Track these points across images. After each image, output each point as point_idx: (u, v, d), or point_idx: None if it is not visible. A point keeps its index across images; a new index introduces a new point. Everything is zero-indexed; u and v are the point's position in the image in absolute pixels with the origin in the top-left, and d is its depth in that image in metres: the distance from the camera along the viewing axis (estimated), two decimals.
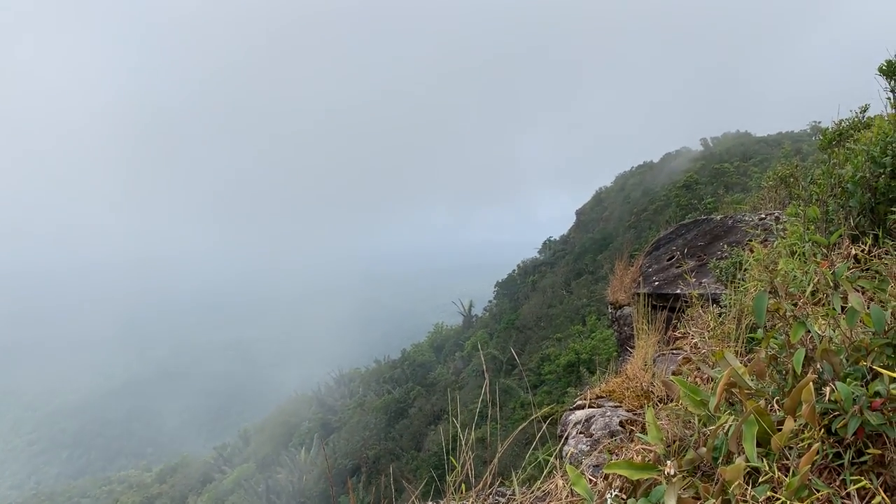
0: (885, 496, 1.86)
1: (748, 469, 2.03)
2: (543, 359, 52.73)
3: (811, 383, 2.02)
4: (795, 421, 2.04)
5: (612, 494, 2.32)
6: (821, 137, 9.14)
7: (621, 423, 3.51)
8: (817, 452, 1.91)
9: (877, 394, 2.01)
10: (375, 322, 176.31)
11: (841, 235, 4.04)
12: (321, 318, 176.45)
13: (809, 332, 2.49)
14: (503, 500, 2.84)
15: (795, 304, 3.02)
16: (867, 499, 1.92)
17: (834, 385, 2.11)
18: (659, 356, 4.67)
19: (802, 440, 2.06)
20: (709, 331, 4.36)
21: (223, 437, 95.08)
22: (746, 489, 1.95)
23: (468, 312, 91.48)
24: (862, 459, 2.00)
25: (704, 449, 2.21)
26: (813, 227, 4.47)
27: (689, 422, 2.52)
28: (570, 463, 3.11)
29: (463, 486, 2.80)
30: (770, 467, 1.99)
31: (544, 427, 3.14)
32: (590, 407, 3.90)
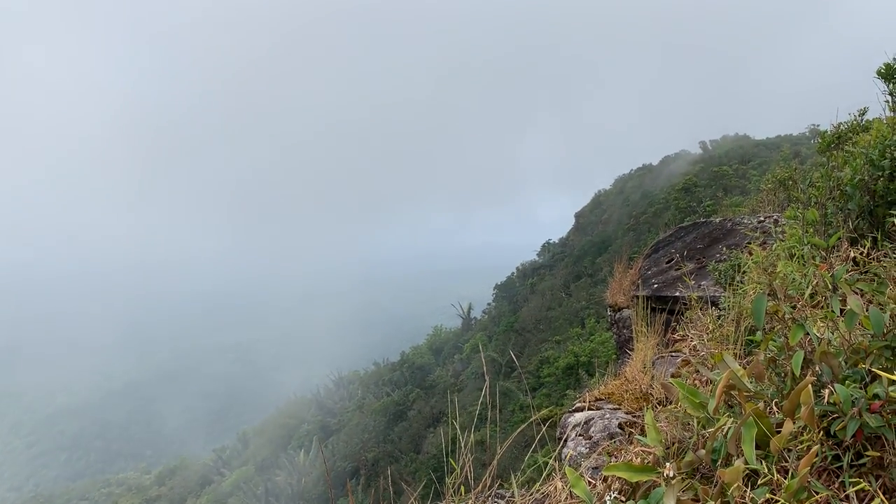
0: (884, 498, 1.86)
1: (747, 471, 2.03)
2: (542, 361, 52.71)
3: (810, 385, 2.02)
4: (794, 423, 2.04)
5: (611, 496, 2.32)
6: (819, 140, 9.15)
7: (620, 426, 3.51)
8: (816, 455, 1.91)
9: (876, 396, 2.01)
10: (375, 324, 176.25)
11: (840, 238, 4.05)
12: (321, 320, 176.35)
13: (808, 334, 2.50)
14: (502, 502, 2.84)
15: (794, 307, 3.02)
16: (866, 501, 1.92)
17: (833, 387, 2.11)
18: (658, 358, 4.67)
19: (801, 442, 2.07)
20: (708, 333, 4.37)
21: (222, 439, 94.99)
22: (745, 491, 1.95)
23: (467, 315, 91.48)
24: (861, 462, 2.00)
25: (703, 451, 2.21)
26: (812, 229, 4.48)
27: (689, 424, 2.52)
28: (570, 465, 3.11)
29: (462, 488, 2.80)
30: (769, 469, 1.99)
31: (543, 429, 3.14)
32: (589, 409, 3.90)
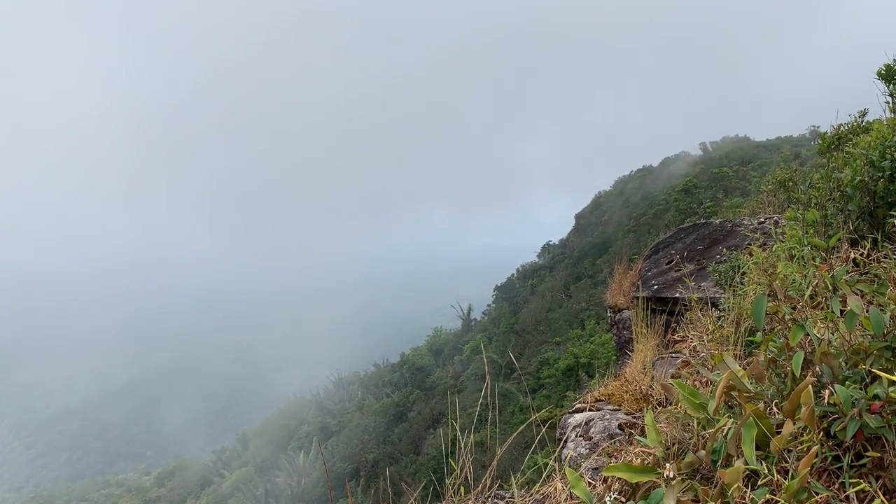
0: (884, 499, 1.86)
1: (747, 472, 2.02)
2: (542, 363, 52.72)
3: (810, 386, 2.02)
4: (794, 424, 2.04)
5: (611, 497, 2.31)
6: (819, 142, 9.15)
7: (620, 427, 3.51)
8: (816, 455, 1.91)
9: (876, 397, 2.01)
10: (375, 325, 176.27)
11: (840, 239, 4.04)
12: (321, 320, 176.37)
13: (808, 335, 2.50)
14: (502, 502, 2.84)
15: (794, 308, 3.02)
16: (866, 502, 1.92)
17: (833, 388, 2.11)
18: (658, 360, 4.67)
19: (801, 443, 2.06)
20: (708, 334, 4.36)
21: (222, 439, 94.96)
22: (745, 492, 1.95)
23: (467, 316, 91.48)
24: (861, 462, 2.00)
25: (703, 452, 2.21)
26: (812, 230, 4.48)
27: (689, 425, 2.52)
28: (570, 466, 3.10)
29: (462, 488, 2.79)
30: (769, 470, 1.99)
31: (543, 430, 3.14)
32: (589, 410, 3.90)
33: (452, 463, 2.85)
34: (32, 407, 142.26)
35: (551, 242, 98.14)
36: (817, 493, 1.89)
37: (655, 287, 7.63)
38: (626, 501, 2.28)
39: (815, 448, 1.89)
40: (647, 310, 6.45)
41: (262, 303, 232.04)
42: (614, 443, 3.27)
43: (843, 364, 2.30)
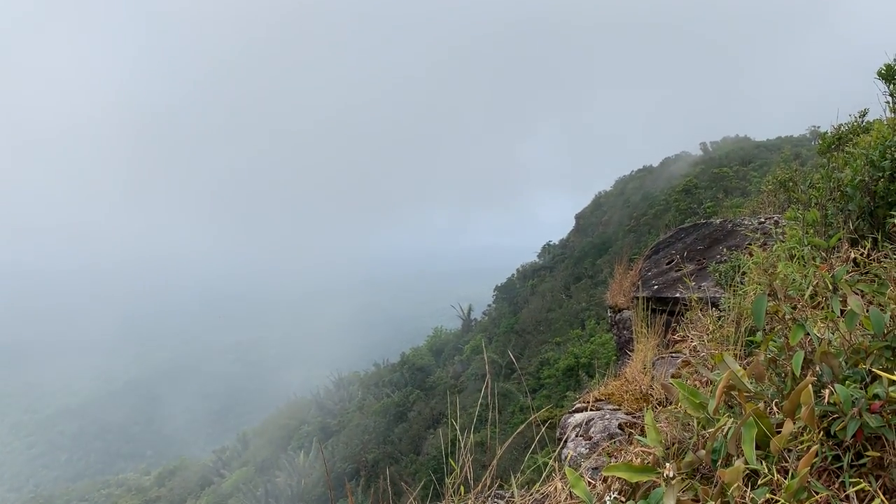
0: (884, 499, 1.86)
1: (747, 471, 2.02)
2: (543, 363, 52.73)
3: (810, 386, 2.02)
4: (794, 423, 2.04)
5: (610, 497, 2.31)
6: (820, 142, 9.15)
7: (620, 426, 3.51)
8: (816, 455, 1.91)
9: (876, 396, 2.00)
10: (375, 325, 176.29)
11: (840, 239, 4.04)
12: (321, 320, 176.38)
13: (808, 334, 2.50)
14: (502, 502, 2.84)
15: (794, 308, 3.02)
16: (866, 501, 1.92)
17: (833, 387, 2.10)
18: (658, 359, 4.67)
19: (801, 442, 2.06)
20: (708, 334, 4.36)
21: (222, 439, 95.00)
22: (745, 491, 1.95)
23: (467, 316, 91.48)
24: (861, 462, 1.99)
25: (703, 451, 2.21)
26: (812, 230, 4.47)
27: (689, 424, 2.52)
28: (570, 466, 3.10)
29: (462, 488, 2.79)
30: (769, 469, 1.99)
31: (543, 430, 3.14)
32: (589, 410, 3.90)
33: (452, 462, 2.85)
34: (33, 407, 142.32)
35: (551, 242, 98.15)
36: (817, 493, 1.89)
37: (656, 287, 7.63)
38: (626, 501, 2.28)
39: (815, 447, 1.89)
40: (647, 310, 6.44)
41: (262, 303, 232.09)
42: (614, 442, 3.27)
43: (843, 363, 2.30)
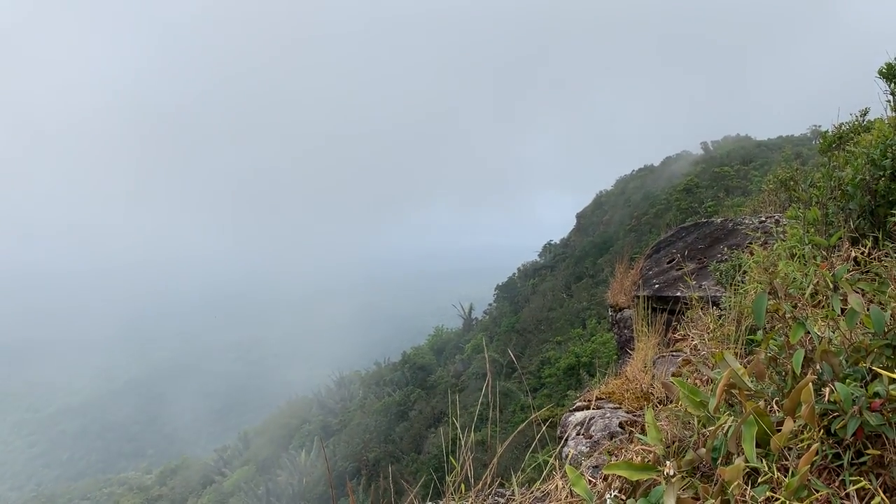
0: (884, 497, 1.86)
1: (747, 469, 2.03)
2: (543, 362, 52.72)
3: (810, 384, 2.02)
4: (795, 422, 2.04)
5: (611, 495, 2.32)
6: (821, 141, 9.15)
7: (621, 425, 3.51)
8: (816, 453, 1.91)
9: (876, 394, 2.01)
10: (376, 324, 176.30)
11: (841, 237, 4.05)
12: (322, 319, 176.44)
13: (809, 333, 2.50)
14: (502, 500, 2.84)
15: (795, 306, 3.02)
16: (866, 499, 1.92)
17: (833, 386, 2.11)
18: (659, 358, 4.67)
19: (802, 441, 2.06)
20: (708, 333, 4.36)
21: (224, 438, 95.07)
22: (746, 489, 1.95)
23: (468, 315, 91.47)
24: (861, 460, 2.00)
25: (704, 449, 2.21)
26: (813, 229, 4.47)
27: (689, 423, 2.52)
28: (570, 464, 3.11)
29: (462, 486, 2.80)
30: (769, 468, 1.99)
31: (543, 429, 3.14)
32: (590, 408, 3.91)
33: (453, 461, 2.85)
34: (34, 405, 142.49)
35: (552, 242, 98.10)
36: (817, 491, 1.90)
37: (656, 286, 7.63)
38: (627, 499, 2.28)
39: (815, 446, 1.90)
40: (648, 309, 6.44)
41: (264, 302, 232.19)
42: (615, 441, 3.28)
43: (843, 362, 2.30)
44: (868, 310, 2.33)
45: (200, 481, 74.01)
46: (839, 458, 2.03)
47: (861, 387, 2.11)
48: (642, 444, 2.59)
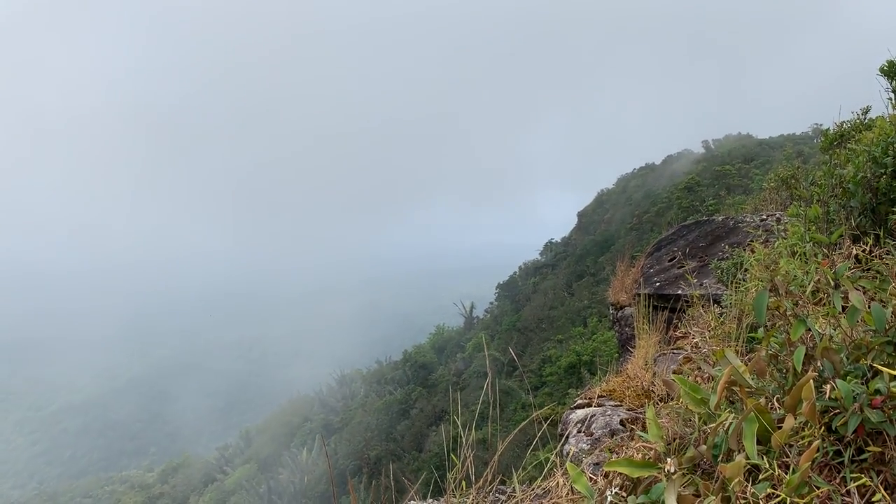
0: (885, 494, 1.86)
1: (748, 466, 2.03)
2: (544, 360, 52.72)
3: (811, 381, 2.02)
4: (796, 419, 2.04)
5: (612, 492, 2.32)
6: (822, 139, 9.13)
7: (622, 422, 3.52)
8: (817, 450, 1.91)
9: (877, 391, 2.01)
10: (377, 323, 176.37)
11: (842, 235, 4.04)
12: (324, 318, 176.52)
13: (810, 330, 2.49)
14: (503, 497, 2.85)
15: (796, 304, 3.02)
16: (867, 496, 1.92)
17: (834, 383, 2.11)
18: (660, 356, 4.68)
19: (803, 438, 2.07)
20: (710, 330, 4.36)
21: (226, 436, 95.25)
22: (746, 486, 1.95)
23: (469, 314, 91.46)
24: (862, 457, 2.00)
25: (705, 447, 2.21)
26: (814, 227, 4.47)
27: (690, 420, 2.52)
28: (571, 461, 3.11)
29: (463, 483, 2.80)
30: (770, 465, 1.99)
31: (545, 427, 3.15)
32: (591, 406, 3.91)
33: (454, 458, 2.86)
34: (36, 404, 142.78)
35: (554, 240, 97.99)
36: (818, 488, 1.90)
37: (658, 284, 7.63)
38: (628, 496, 2.29)
39: (816, 443, 1.90)
40: (649, 307, 6.44)
41: (265, 300, 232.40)
42: (616, 438, 3.28)
43: (844, 359, 2.30)
44: (869, 307, 2.33)
45: (202, 479, 74.10)
46: (840, 455, 2.03)
47: (862, 384, 2.11)
48: (643, 442, 2.59)
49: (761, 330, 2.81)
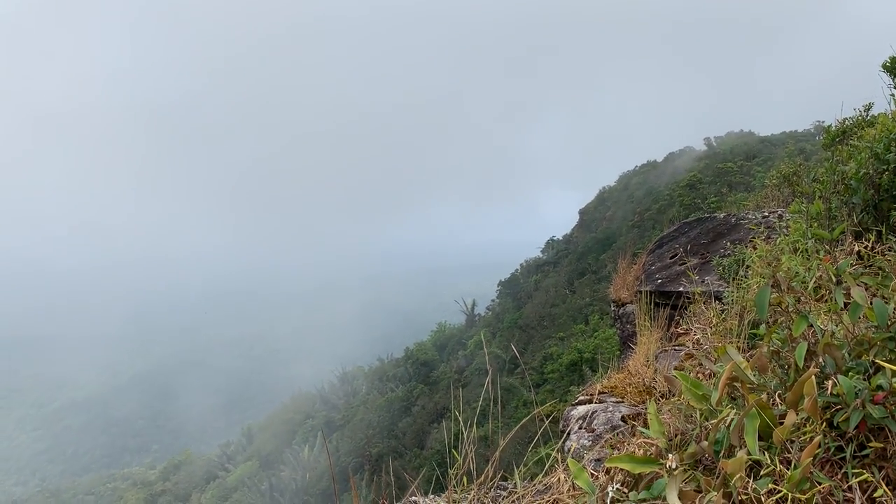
0: (886, 489, 1.86)
1: (750, 462, 2.02)
2: (546, 358, 52.74)
3: (813, 377, 2.02)
4: (797, 415, 2.04)
5: (613, 488, 2.32)
6: (824, 136, 9.12)
7: (623, 418, 3.52)
8: (819, 446, 1.91)
9: (879, 387, 2.00)
10: (379, 320, 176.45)
11: (844, 232, 4.04)
12: (326, 315, 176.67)
13: (812, 326, 2.49)
14: (505, 493, 2.85)
15: (798, 300, 3.02)
16: (869, 492, 1.92)
17: (836, 379, 2.10)
18: (661, 352, 4.67)
19: (804, 434, 2.06)
20: (711, 327, 4.36)
21: (228, 433, 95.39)
22: (748, 482, 1.95)
23: (471, 311, 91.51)
24: (864, 453, 1.99)
25: (706, 442, 2.21)
26: (816, 223, 4.46)
27: (691, 416, 2.51)
28: (572, 457, 3.11)
29: (465, 479, 2.80)
30: (772, 460, 1.99)
31: (546, 424, 3.14)
32: (592, 402, 3.91)
33: (456, 454, 2.86)
34: (39, 401, 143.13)
35: (555, 238, 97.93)
36: (820, 483, 1.89)
37: (659, 281, 7.63)
38: (629, 492, 2.28)
39: (817, 438, 1.89)
40: (650, 303, 6.44)
41: (267, 298, 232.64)
42: (617, 434, 3.28)
43: (846, 355, 2.29)
44: (871, 303, 2.33)
45: (204, 476, 74.28)
46: (842, 451, 2.03)
47: (864, 380, 2.10)
48: (645, 438, 2.59)
49: (763, 326, 2.81)
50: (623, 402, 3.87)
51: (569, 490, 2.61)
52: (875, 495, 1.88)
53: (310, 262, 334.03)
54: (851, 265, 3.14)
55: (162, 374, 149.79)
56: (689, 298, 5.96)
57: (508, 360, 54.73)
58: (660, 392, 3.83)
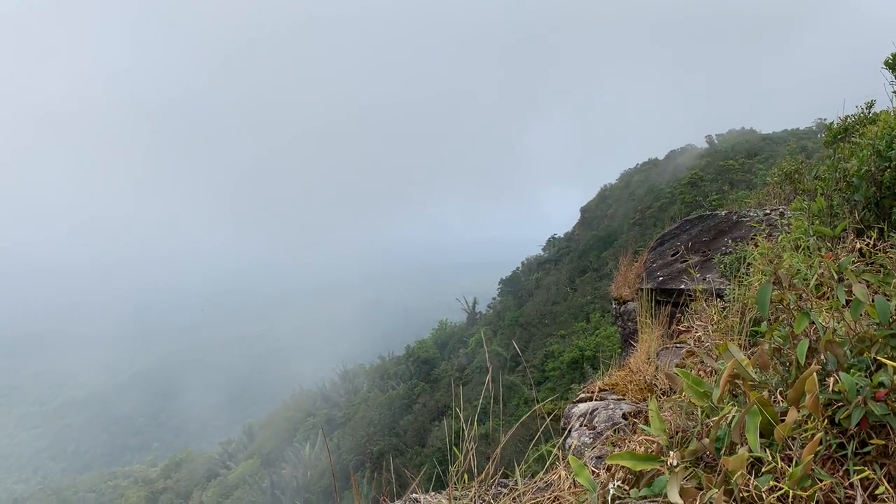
0: (888, 486, 1.86)
1: (751, 459, 2.02)
2: (547, 356, 52.73)
3: (815, 374, 2.01)
4: (799, 411, 2.03)
5: (614, 485, 2.31)
6: (826, 133, 9.11)
7: (624, 416, 3.51)
8: (820, 443, 1.90)
9: (881, 384, 2.00)
10: (380, 318, 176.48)
11: (846, 229, 4.03)
12: (327, 313, 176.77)
13: (813, 323, 2.49)
14: (505, 490, 2.84)
15: (799, 297, 3.01)
16: (870, 489, 1.92)
17: (838, 376, 2.10)
18: (662, 350, 4.67)
19: (806, 431, 2.06)
20: (712, 324, 4.36)
21: (229, 431, 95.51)
22: (749, 479, 1.95)
23: (472, 309, 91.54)
24: (865, 450, 1.99)
25: (707, 440, 2.21)
26: (818, 221, 4.46)
27: (692, 413, 2.51)
28: (573, 455, 3.11)
29: (466, 476, 2.80)
30: (773, 457, 1.99)
31: (547, 421, 3.14)
32: (593, 400, 3.91)
33: (457, 451, 2.86)
34: (40, 399, 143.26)
35: (556, 236, 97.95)
36: (821, 481, 1.89)
37: (660, 278, 7.62)
38: (630, 489, 2.28)
39: (819, 436, 1.89)
40: (651, 301, 6.44)
41: (267, 296, 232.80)
42: (618, 431, 3.28)
43: (847, 352, 2.29)
44: (873, 300, 2.32)
45: (205, 474, 74.40)
46: (843, 448, 2.02)
47: (865, 377, 2.10)
48: (646, 435, 2.59)
49: (764, 323, 2.80)
50: (624, 399, 3.87)
51: (570, 487, 2.61)
52: (876, 492, 1.88)
53: (310, 260, 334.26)
54: (853, 262, 3.13)
55: (163, 372, 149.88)
56: (690, 296, 5.96)
57: (509, 357, 54.75)
58: (661, 389, 3.83)
